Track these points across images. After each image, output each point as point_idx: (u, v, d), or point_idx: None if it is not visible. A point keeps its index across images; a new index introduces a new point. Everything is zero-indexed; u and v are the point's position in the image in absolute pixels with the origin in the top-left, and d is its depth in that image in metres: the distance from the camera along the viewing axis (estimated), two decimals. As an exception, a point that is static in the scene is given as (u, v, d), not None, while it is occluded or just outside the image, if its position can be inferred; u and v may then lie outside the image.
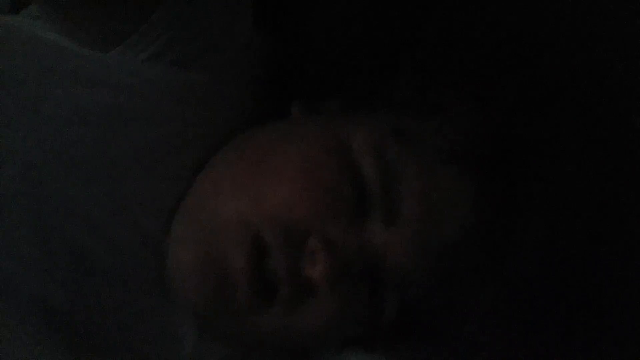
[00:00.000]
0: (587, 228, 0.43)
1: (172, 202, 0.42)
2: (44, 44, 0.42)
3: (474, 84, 0.45)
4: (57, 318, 0.39)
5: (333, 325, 0.39)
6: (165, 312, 0.42)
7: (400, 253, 0.38)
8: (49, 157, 0.39)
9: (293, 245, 0.37)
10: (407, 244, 0.38)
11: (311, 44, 0.49)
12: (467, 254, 0.39)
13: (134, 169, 0.41)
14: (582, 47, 0.46)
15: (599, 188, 0.43)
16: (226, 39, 0.44)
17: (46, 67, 0.41)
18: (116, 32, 0.40)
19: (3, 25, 0.43)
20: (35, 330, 0.38)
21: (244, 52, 0.45)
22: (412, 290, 0.39)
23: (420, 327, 0.43)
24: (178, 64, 0.42)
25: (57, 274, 0.39)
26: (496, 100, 0.44)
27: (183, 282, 0.39)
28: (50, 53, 0.42)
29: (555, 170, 0.43)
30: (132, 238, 0.41)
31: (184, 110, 0.43)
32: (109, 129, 0.41)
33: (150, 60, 0.41)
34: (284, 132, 0.43)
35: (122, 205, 0.41)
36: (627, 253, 0.46)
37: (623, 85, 0.45)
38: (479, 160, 0.40)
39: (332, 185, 0.38)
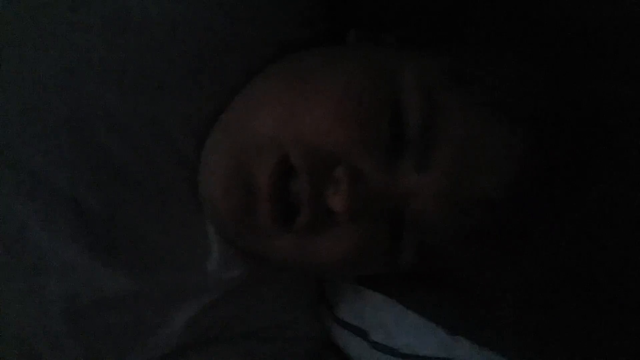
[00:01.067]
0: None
1: (209, 119, 0.42)
2: None
3: (537, 39, 0.42)
4: (89, 218, 0.40)
5: (348, 258, 0.39)
6: (194, 224, 0.43)
7: (428, 199, 0.37)
8: (87, 61, 0.39)
9: (320, 171, 0.36)
10: (437, 191, 0.36)
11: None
12: (501, 215, 0.37)
13: (173, 82, 0.41)
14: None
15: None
16: None
17: None
18: None
19: None
20: (67, 228, 0.39)
21: None
22: (433, 237, 0.38)
23: (436, 273, 0.42)
24: None
25: (88, 177, 0.39)
26: (559, 60, 0.41)
27: (211, 193, 0.40)
28: None
29: (619, 145, 0.39)
30: (165, 150, 0.41)
31: (229, 24, 0.42)
32: (151, 37, 0.40)
33: None
34: (334, 55, 0.42)
35: (158, 117, 0.41)
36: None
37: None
38: (533, 118, 0.37)
39: (371, 116, 0.37)
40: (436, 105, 0.36)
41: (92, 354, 0.40)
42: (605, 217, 0.38)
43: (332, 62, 0.40)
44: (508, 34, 0.42)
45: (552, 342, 0.40)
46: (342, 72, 0.39)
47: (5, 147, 0.38)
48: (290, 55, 0.43)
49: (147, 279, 0.41)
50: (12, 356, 0.39)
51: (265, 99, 0.40)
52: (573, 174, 0.38)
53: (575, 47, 0.41)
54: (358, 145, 0.37)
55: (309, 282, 0.51)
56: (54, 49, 0.39)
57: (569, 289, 0.40)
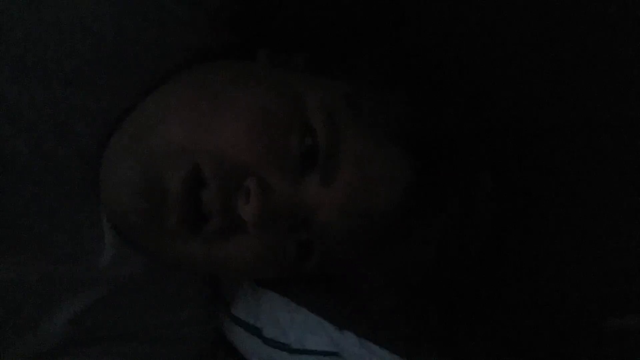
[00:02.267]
0: (498, 228, 0.47)
1: (114, 117, 0.42)
2: None
3: (423, 74, 0.48)
4: None
5: (254, 265, 0.42)
6: (88, 218, 0.43)
7: (331, 212, 0.41)
8: (4, 58, 0.39)
9: (230, 181, 0.39)
10: (339, 205, 0.40)
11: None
12: (387, 225, 0.42)
13: (78, 77, 0.41)
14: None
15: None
16: None
17: None
18: None
19: None
20: None
21: None
22: (333, 246, 0.42)
23: (327, 274, 0.46)
24: None
25: None
26: (443, 96, 0.48)
27: (117, 195, 0.40)
28: None
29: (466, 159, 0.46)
30: (63, 142, 0.41)
31: (137, 25, 0.42)
32: (59, 33, 0.40)
33: None
34: (246, 71, 0.44)
35: (59, 108, 0.41)
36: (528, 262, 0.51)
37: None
38: (416, 143, 0.43)
39: (279, 134, 0.40)
40: (337, 127, 0.41)
41: None
42: (465, 232, 0.45)
43: (244, 80, 0.42)
44: (398, 67, 0.48)
45: (421, 335, 0.46)
46: (254, 90, 0.41)
47: None
48: (202, 65, 0.45)
49: (28, 269, 0.41)
50: None
51: (174, 107, 0.41)
52: (439, 185, 0.44)
53: (454, 89, 0.49)
54: (267, 160, 0.39)
55: (205, 280, 0.52)
56: None
57: (433, 290, 0.46)
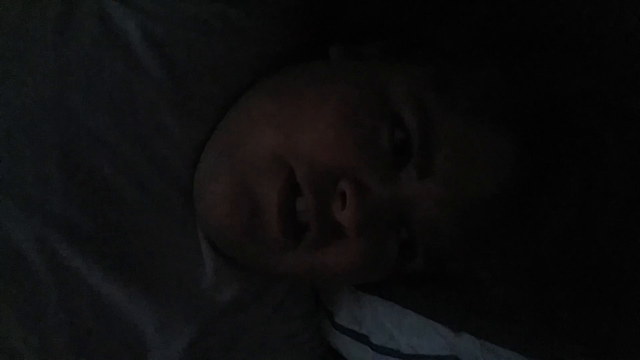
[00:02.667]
0: (624, 208, 0.41)
1: (199, 140, 0.42)
2: None
3: (514, 41, 0.44)
4: (83, 236, 0.39)
5: (357, 269, 0.40)
6: (188, 243, 0.43)
7: (432, 206, 0.38)
8: (76, 84, 0.39)
9: (324, 186, 0.37)
10: (440, 198, 0.38)
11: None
12: (498, 212, 0.39)
13: (160, 103, 0.41)
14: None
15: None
16: None
17: None
18: None
19: None
20: (63, 250, 0.39)
21: None
22: (438, 242, 0.39)
23: (434, 273, 0.43)
24: None
25: (80, 200, 0.39)
26: (535, 64, 0.43)
27: (214, 213, 0.40)
28: None
29: (597, 137, 0.41)
30: (156, 171, 0.41)
31: (215, 43, 0.42)
32: (138, 60, 0.41)
33: None
34: (322, 72, 0.42)
35: (148, 139, 0.41)
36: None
37: None
38: (518, 118, 0.39)
39: (368, 131, 0.38)
40: (429, 114, 0.38)
41: None
42: (592, 208, 0.40)
43: (323, 80, 0.41)
44: (483, 40, 0.44)
45: (552, 331, 0.41)
46: (335, 90, 0.39)
47: None
48: (278, 72, 0.43)
49: (144, 300, 0.41)
50: None
51: (259, 118, 0.40)
52: (556, 169, 0.40)
53: (548, 49, 0.43)
54: (359, 160, 0.37)
55: (305, 292, 0.51)
56: (41, 73, 0.39)
57: (561, 278, 0.42)
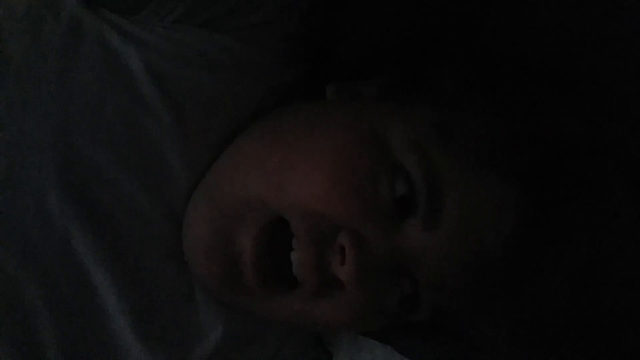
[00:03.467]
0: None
1: (198, 177, 0.41)
2: None
3: (516, 84, 0.42)
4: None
5: (355, 320, 0.39)
6: (181, 280, 0.42)
7: (438, 259, 0.36)
8: (78, 119, 0.39)
9: (320, 237, 0.36)
10: (445, 250, 0.36)
11: (354, 20, 0.46)
12: (503, 265, 0.37)
13: (163, 140, 0.40)
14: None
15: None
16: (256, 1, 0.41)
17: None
18: None
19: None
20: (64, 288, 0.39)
21: (279, 17, 0.43)
22: (442, 295, 0.37)
23: (440, 327, 0.42)
24: (208, 26, 0.41)
25: (76, 233, 0.39)
26: (541, 105, 0.41)
27: (193, 260, 0.40)
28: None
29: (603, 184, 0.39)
30: (155, 207, 0.41)
31: (218, 79, 0.42)
32: (139, 95, 0.40)
33: (180, 22, 0.40)
34: (318, 115, 0.41)
35: (148, 174, 0.40)
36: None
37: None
38: (522, 168, 0.37)
39: (367, 181, 0.36)
40: (433, 164, 0.36)
41: None
42: (600, 263, 0.38)
43: (318, 124, 0.39)
44: (484, 81, 0.42)
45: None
46: (330, 135, 0.38)
47: None
48: (271, 114, 0.43)
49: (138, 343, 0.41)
50: None
51: (248, 162, 0.39)
52: (563, 220, 0.38)
53: (552, 94, 0.41)
54: (358, 211, 0.36)
55: (303, 337, 0.50)
56: (43, 108, 0.39)
57: (565, 336, 0.40)
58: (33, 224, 0.38)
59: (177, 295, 0.42)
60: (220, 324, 0.43)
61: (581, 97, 0.42)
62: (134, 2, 0.39)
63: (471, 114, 0.39)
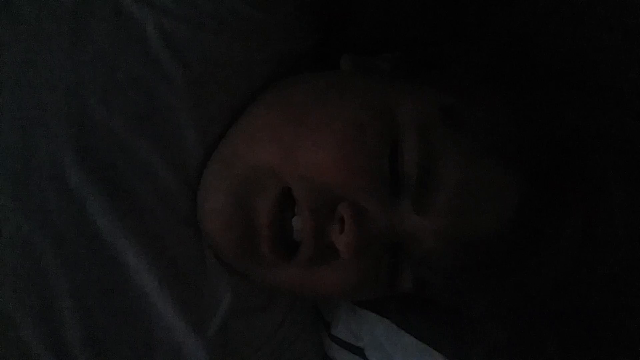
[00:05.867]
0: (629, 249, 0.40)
1: (212, 143, 0.41)
2: None
3: (528, 79, 0.43)
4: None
5: (350, 288, 0.40)
6: (193, 245, 0.42)
7: (429, 241, 0.37)
8: (92, 83, 0.39)
9: (322, 207, 0.37)
10: (438, 234, 0.37)
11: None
12: (496, 251, 0.38)
13: (177, 105, 0.40)
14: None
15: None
16: None
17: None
18: None
19: None
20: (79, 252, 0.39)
21: None
22: (429, 271, 0.39)
23: (430, 299, 0.43)
24: None
25: (92, 197, 0.39)
26: (550, 99, 0.42)
27: (210, 225, 0.40)
28: None
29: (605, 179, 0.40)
30: (168, 172, 0.41)
31: (230, 43, 0.42)
32: (152, 59, 0.40)
33: None
34: (331, 86, 0.41)
35: (163, 139, 0.40)
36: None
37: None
38: (524, 159, 0.38)
39: (373, 155, 0.37)
40: (432, 147, 0.37)
41: None
42: (592, 253, 0.39)
43: (329, 95, 0.40)
44: (498, 70, 0.42)
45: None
46: (341, 107, 0.39)
47: (11, 172, 0.38)
48: (286, 80, 0.43)
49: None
50: None
51: (261, 131, 0.40)
52: (559, 211, 0.39)
53: (561, 87, 0.42)
54: (360, 184, 0.37)
55: (305, 308, 0.52)
56: (57, 72, 0.39)
57: (551, 323, 0.42)
58: (49, 188, 0.38)
59: (193, 260, 0.42)
60: (229, 292, 0.43)
61: (590, 93, 0.43)
62: None
63: (480, 102, 0.39)
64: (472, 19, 0.46)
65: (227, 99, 0.42)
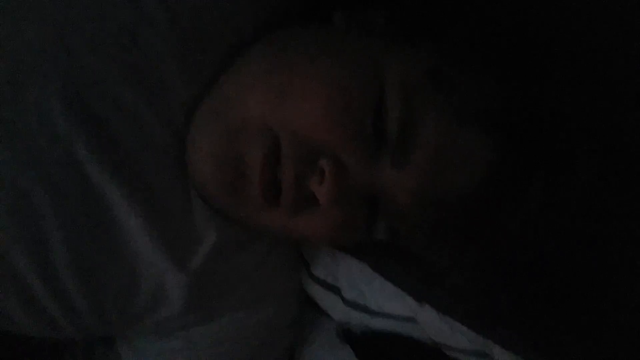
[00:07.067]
0: (593, 214, 0.44)
1: (200, 91, 0.43)
2: None
3: (519, 50, 0.44)
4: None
5: (328, 234, 0.42)
6: (180, 190, 0.44)
7: (403, 195, 0.39)
8: (79, 30, 0.40)
9: (305, 158, 0.39)
10: (411, 188, 0.39)
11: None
12: (466, 210, 0.40)
13: (165, 53, 0.41)
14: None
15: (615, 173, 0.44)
16: None
17: None
18: None
19: None
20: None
21: None
22: (403, 224, 0.41)
23: (403, 249, 0.46)
24: None
25: (80, 143, 0.40)
26: (536, 76, 0.43)
27: (201, 168, 0.41)
28: None
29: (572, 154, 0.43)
30: (155, 118, 0.42)
31: (213, 2, 0.42)
32: (141, 8, 0.41)
33: None
34: (323, 42, 0.42)
35: (150, 86, 0.41)
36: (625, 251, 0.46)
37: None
38: (503, 127, 0.39)
39: (358, 112, 0.39)
40: (414, 107, 0.38)
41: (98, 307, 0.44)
42: (551, 214, 0.42)
43: (319, 51, 0.41)
44: (489, 41, 0.44)
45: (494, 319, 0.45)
46: (331, 64, 0.40)
47: None
48: (277, 33, 0.43)
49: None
50: None
51: (252, 82, 0.41)
52: (522, 167, 0.41)
53: (550, 64, 0.44)
54: (343, 139, 0.39)
55: (288, 248, 0.54)
56: (43, 18, 0.39)
57: (510, 274, 0.45)
58: (37, 131, 0.39)
59: (177, 201, 0.44)
60: (214, 231, 0.45)
61: (580, 80, 0.44)
62: None
63: (469, 69, 0.41)
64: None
65: (214, 48, 0.43)
